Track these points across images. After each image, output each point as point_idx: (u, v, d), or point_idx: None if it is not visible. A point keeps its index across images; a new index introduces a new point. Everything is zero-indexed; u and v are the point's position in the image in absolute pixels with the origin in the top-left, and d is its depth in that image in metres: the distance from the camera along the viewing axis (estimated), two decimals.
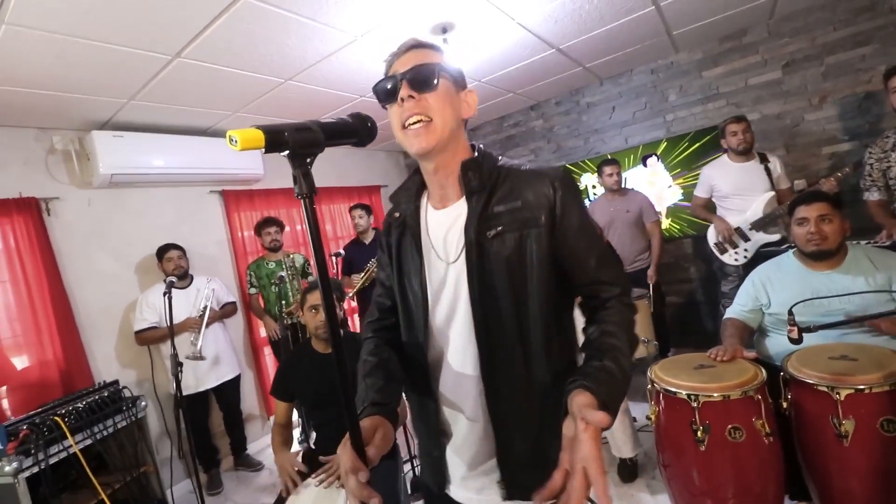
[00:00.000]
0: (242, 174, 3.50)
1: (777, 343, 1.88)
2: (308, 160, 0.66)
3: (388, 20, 2.19)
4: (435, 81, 0.83)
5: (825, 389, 1.47)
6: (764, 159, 2.83)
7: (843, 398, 1.43)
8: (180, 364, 2.37)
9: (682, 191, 3.67)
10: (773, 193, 2.77)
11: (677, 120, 3.72)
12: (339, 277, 3.37)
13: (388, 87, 0.85)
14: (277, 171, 3.84)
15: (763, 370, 1.63)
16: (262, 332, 3.54)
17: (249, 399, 3.50)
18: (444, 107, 0.84)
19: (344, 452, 0.69)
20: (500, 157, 0.92)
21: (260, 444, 3.49)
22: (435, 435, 0.94)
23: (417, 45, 0.87)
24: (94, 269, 2.85)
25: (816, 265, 1.85)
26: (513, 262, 0.82)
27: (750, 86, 3.41)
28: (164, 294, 2.37)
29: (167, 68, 2.26)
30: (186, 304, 2.86)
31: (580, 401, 0.67)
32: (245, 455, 3.21)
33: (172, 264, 2.88)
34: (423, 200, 0.97)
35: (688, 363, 1.75)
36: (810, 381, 1.51)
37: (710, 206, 3.07)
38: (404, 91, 0.83)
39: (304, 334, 3.24)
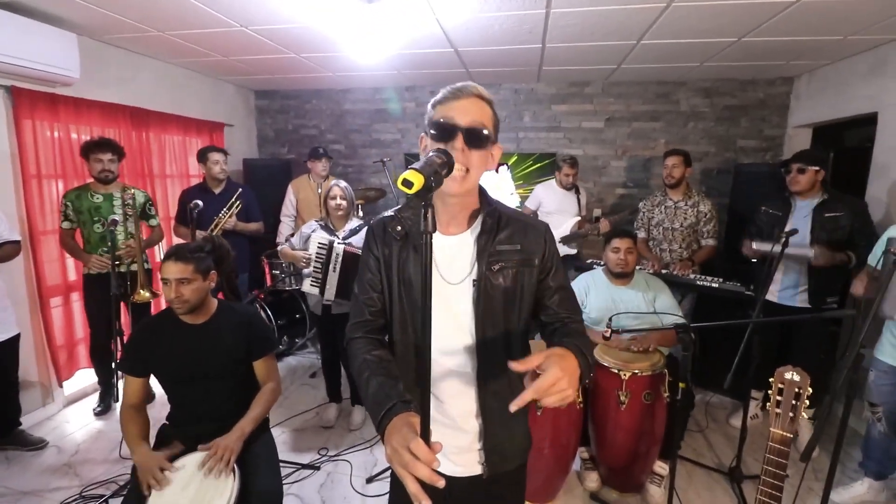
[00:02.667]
0: (46, 71, 2.61)
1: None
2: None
3: None
4: (486, 145, 0.95)
5: (616, 371, 2.13)
6: (577, 191, 3.68)
7: (626, 378, 2.11)
8: None
9: (520, 199, 4.38)
10: (578, 218, 3.64)
11: (527, 139, 4.40)
12: (193, 231, 2.92)
13: (446, 132, 0.92)
14: (95, 77, 3.02)
15: (665, 355, 2.27)
16: (71, 274, 2.79)
17: (27, 362, 2.75)
18: (482, 164, 0.97)
19: (417, 444, 0.73)
20: (496, 201, 1.08)
21: (38, 416, 2.81)
22: (423, 426, 1.08)
23: (480, 97, 0.95)
24: None
25: (617, 282, 2.57)
26: (509, 291, 1.02)
27: (582, 127, 4.28)
28: None
29: None
30: None
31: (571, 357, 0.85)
32: (19, 432, 2.55)
33: None
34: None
35: (614, 347, 2.28)
36: (608, 365, 2.16)
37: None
38: (459, 143, 0.91)
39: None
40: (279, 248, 2.89)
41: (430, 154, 0.79)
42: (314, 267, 2.58)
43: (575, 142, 4.31)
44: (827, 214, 2.48)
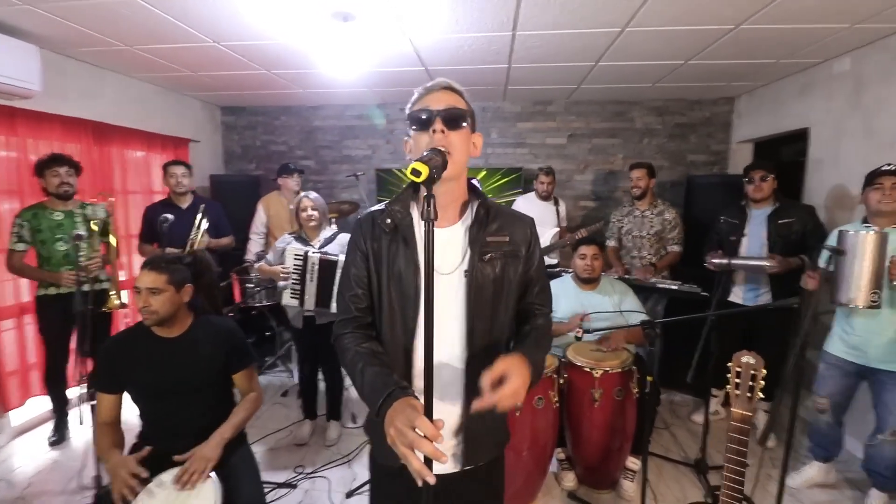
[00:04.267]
0: (5, 83, 2.52)
1: (558, 340, 2.66)
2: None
3: None
4: (463, 123, 1.02)
5: (589, 370, 2.23)
6: (556, 202, 3.82)
7: (598, 376, 2.21)
8: None
9: None
10: (558, 229, 3.78)
11: (495, 155, 4.56)
12: (161, 248, 2.84)
13: (424, 118, 1.00)
14: (57, 90, 2.94)
15: (632, 353, 2.37)
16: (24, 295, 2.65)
17: None
18: (463, 145, 1.03)
19: (423, 421, 0.78)
20: (485, 194, 1.15)
21: None
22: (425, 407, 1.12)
23: (450, 88, 1.05)
24: None
25: (585, 287, 2.69)
26: (498, 282, 1.06)
27: (546, 144, 4.48)
28: None
29: None
30: None
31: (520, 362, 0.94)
32: None
33: None
34: (415, 215, 1.10)
35: (586, 348, 2.36)
36: (581, 364, 2.25)
37: None
38: (438, 125, 0.98)
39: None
40: (256, 265, 2.86)
41: (426, 152, 0.86)
42: (292, 278, 2.57)
43: (540, 157, 4.50)
44: (780, 221, 2.69)
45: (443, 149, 0.96)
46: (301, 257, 2.56)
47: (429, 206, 0.77)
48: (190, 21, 2.47)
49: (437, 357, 1.04)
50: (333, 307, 2.59)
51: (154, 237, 3.02)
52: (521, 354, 0.95)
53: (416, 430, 0.78)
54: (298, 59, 3.12)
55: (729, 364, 1.44)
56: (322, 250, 2.60)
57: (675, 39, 2.71)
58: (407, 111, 1.07)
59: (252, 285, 3.56)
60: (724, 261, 2.64)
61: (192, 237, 2.93)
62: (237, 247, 3.96)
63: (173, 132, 4.04)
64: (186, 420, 1.72)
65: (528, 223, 1.13)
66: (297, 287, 2.58)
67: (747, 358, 1.42)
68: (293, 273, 2.57)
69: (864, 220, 2.18)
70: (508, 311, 1.10)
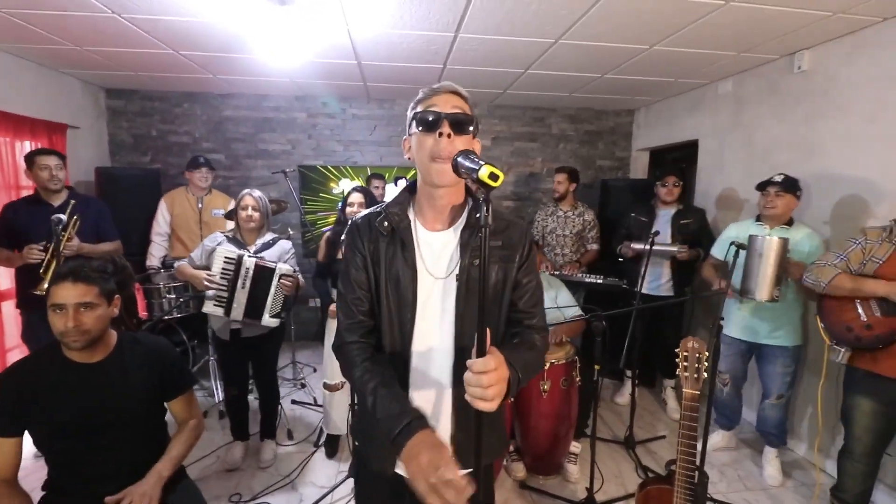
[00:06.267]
0: None
1: None
2: None
3: None
4: (469, 129, 1.00)
5: None
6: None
7: (546, 368, 2.33)
8: None
9: None
10: None
11: None
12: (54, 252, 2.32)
13: (431, 119, 0.97)
14: None
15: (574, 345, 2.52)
16: None
17: None
18: None
19: (450, 471, 0.76)
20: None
21: None
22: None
23: (457, 93, 1.03)
24: None
25: None
26: (491, 286, 1.04)
27: None
28: None
29: None
30: None
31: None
32: None
33: None
34: (412, 218, 1.07)
35: None
36: None
37: None
38: (445, 129, 0.96)
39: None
40: (175, 265, 2.49)
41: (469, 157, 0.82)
42: (219, 284, 2.30)
43: None
44: (682, 221, 3.14)
45: (447, 158, 0.94)
46: (233, 261, 2.31)
47: (487, 212, 0.74)
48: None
49: (430, 360, 1.06)
50: (266, 320, 2.37)
51: (14, 241, 2.47)
52: (508, 360, 0.89)
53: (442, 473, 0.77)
54: (217, 40, 2.79)
55: (677, 350, 1.61)
56: (259, 255, 2.37)
57: (598, 54, 2.94)
58: (410, 112, 1.04)
59: (172, 296, 3.13)
60: (644, 246, 2.95)
61: (49, 243, 2.33)
62: (134, 251, 3.46)
63: (46, 115, 3.37)
64: (113, 461, 1.46)
65: (524, 227, 1.12)
66: (224, 294, 2.32)
67: (693, 343, 1.60)
68: (221, 277, 2.30)
69: (758, 218, 2.59)
70: (501, 318, 1.09)
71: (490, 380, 0.79)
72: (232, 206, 3.73)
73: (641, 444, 2.83)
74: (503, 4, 2.24)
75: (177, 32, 2.68)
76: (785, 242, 2.19)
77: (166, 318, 3.14)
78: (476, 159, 0.81)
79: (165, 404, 1.64)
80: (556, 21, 2.43)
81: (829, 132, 2.63)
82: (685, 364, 1.60)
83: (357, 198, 2.60)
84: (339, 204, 2.72)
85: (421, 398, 1.05)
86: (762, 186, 2.49)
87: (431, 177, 0.98)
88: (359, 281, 1.06)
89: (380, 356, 1.04)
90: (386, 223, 1.05)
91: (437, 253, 1.05)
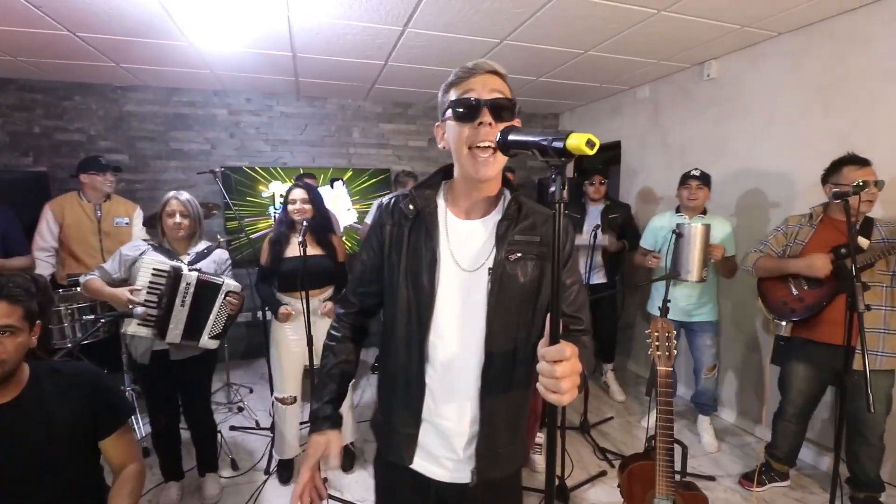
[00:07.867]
0: None
1: None
2: None
3: None
4: (511, 116, 0.91)
5: None
6: None
7: None
8: None
9: (357, 215, 4.32)
10: None
11: (358, 155, 4.39)
12: None
13: (469, 108, 0.88)
14: None
15: None
16: None
17: None
18: None
19: (318, 483, 0.93)
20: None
21: None
22: (415, 417, 1.00)
23: (496, 72, 0.94)
24: None
25: None
26: (527, 284, 0.96)
27: (409, 146, 4.54)
28: None
29: None
30: None
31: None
32: None
33: None
34: (441, 203, 1.01)
35: None
36: None
37: None
38: (486, 117, 0.88)
39: None
40: (82, 280, 2.08)
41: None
42: (147, 300, 1.98)
43: (404, 159, 4.53)
44: (610, 216, 3.38)
45: (492, 146, 0.88)
46: (167, 274, 2.00)
47: (564, 187, 0.68)
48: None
49: (453, 357, 0.99)
50: (204, 341, 2.09)
51: None
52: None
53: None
54: (128, 21, 2.43)
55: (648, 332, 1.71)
56: (196, 268, 2.08)
57: (538, 57, 3.06)
58: (442, 95, 0.96)
59: (79, 318, 2.65)
60: (588, 241, 3.12)
61: None
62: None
63: None
64: None
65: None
66: (155, 313, 2.00)
67: (661, 323, 1.70)
68: (149, 293, 1.99)
69: (677, 210, 2.85)
70: (536, 317, 0.99)
71: (563, 370, 0.70)
72: (138, 213, 3.34)
73: (594, 426, 2.98)
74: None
75: (72, 8, 2.28)
76: (708, 228, 2.45)
77: (70, 344, 2.65)
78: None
79: (99, 444, 1.37)
80: (506, 21, 2.48)
81: (735, 133, 3.00)
82: (657, 344, 1.69)
83: (299, 194, 2.38)
84: (280, 206, 2.51)
85: (438, 390, 0.99)
86: (684, 180, 2.75)
87: (478, 173, 0.90)
88: (368, 266, 1.07)
89: (354, 356, 1.12)
90: (411, 206, 1.00)
91: (464, 243, 0.98)
